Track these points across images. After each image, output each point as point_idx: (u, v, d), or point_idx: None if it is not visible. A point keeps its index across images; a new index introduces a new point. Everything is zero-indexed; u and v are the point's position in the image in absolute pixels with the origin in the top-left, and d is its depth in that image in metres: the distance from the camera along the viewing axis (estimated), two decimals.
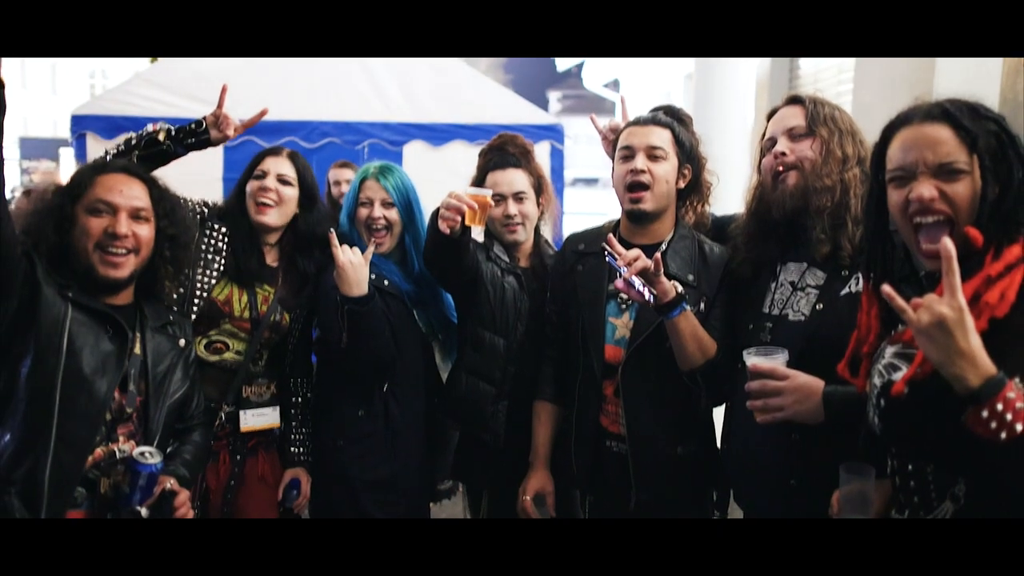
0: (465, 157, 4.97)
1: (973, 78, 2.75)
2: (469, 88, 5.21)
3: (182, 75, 4.81)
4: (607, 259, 1.82)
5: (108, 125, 4.79)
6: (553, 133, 5.23)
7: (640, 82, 9.95)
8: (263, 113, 2.29)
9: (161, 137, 2.11)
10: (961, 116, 1.26)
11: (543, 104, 6.66)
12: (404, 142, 5.07)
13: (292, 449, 2.31)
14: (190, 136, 2.15)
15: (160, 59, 5.30)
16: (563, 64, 12.59)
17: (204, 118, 2.17)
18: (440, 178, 3.56)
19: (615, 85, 11.56)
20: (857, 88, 3.80)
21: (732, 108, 4.99)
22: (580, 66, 12.28)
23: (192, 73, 4.75)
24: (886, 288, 1.17)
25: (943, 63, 3.02)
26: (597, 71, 11.63)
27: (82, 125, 4.84)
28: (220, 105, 2.19)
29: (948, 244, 1.13)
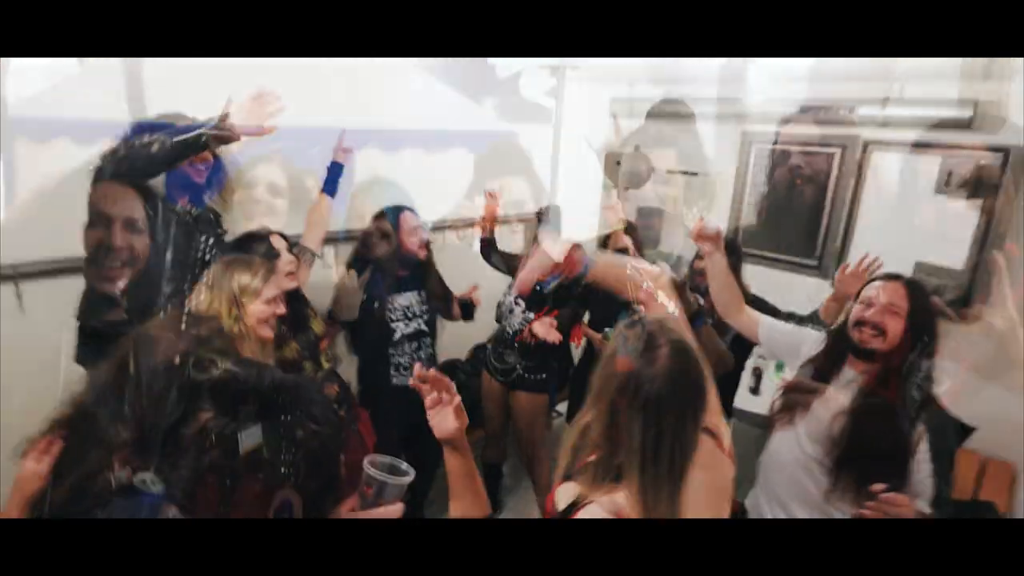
0: (418, 163, 4.90)
1: (931, 77, 2.86)
2: (422, 93, 5.12)
3: (117, 76, 4.57)
4: (628, 272, 1.80)
5: (41, 128, 4.52)
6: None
7: (580, 90, 10.00)
8: (269, 130, 2.18)
9: (155, 148, 1.99)
10: None
11: None
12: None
13: (283, 470, 2.21)
14: (188, 148, 2.03)
15: (90, 59, 5.03)
16: (504, 70, 12.53)
17: (203, 129, 2.04)
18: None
19: (553, 92, 11.59)
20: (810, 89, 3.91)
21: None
22: (517, 73, 12.24)
23: (127, 74, 4.52)
24: (936, 300, 1.19)
25: (901, 63, 3.13)
26: (535, 78, 11.66)
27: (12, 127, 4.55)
28: (224, 117, 2.07)
29: (999, 257, 1.16)
